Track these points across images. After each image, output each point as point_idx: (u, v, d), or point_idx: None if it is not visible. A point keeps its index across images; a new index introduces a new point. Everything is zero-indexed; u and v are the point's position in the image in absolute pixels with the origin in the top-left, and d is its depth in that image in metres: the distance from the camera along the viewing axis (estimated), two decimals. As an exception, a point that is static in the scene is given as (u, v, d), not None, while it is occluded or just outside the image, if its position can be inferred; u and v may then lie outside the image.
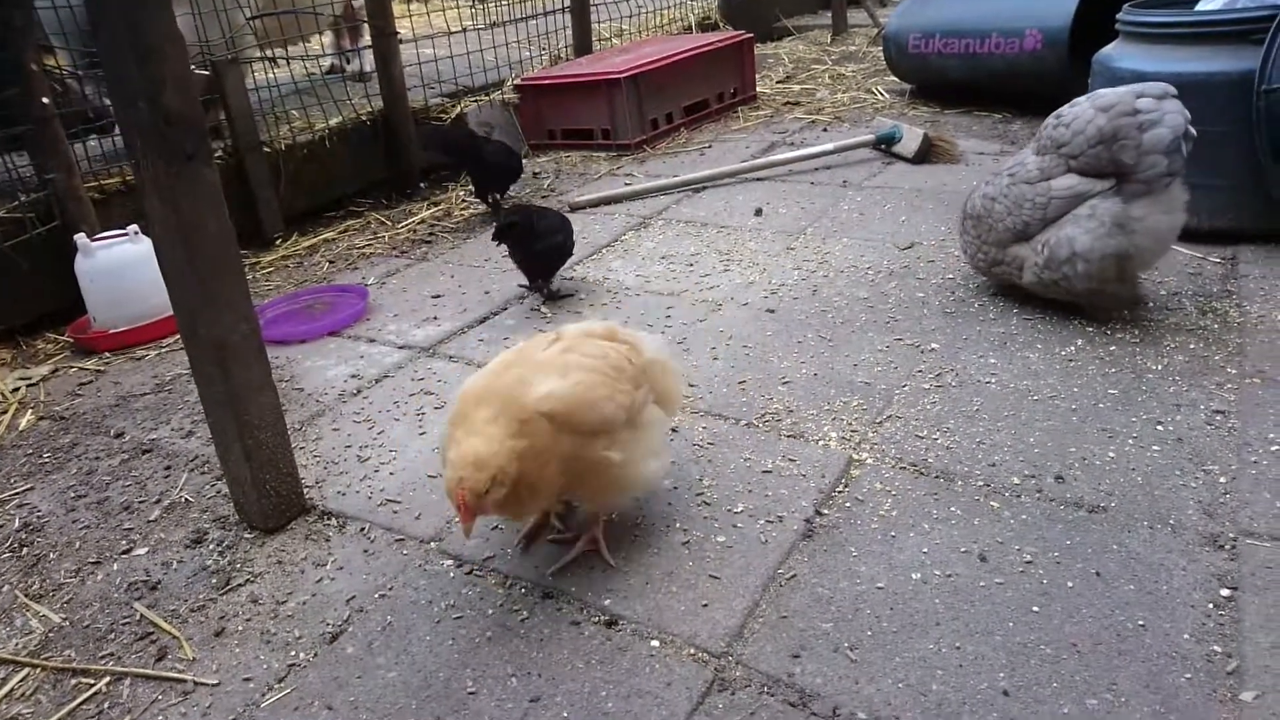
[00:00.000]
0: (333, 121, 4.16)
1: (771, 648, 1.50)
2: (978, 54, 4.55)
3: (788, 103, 5.35)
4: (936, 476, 1.89)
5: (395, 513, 1.97)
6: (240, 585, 1.79)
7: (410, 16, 5.22)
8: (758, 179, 4.05)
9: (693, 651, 1.51)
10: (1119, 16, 3.02)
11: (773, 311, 2.73)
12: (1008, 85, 4.58)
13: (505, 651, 1.55)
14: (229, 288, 1.79)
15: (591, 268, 3.26)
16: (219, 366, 1.80)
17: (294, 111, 4.13)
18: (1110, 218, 2.29)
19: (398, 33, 4.37)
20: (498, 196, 3.97)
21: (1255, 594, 1.50)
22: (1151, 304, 2.51)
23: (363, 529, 1.93)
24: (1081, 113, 2.32)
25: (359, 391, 2.53)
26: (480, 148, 3.83)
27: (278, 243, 3.82)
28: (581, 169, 4.45)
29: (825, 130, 4.70)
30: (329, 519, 1.98)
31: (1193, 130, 2.30)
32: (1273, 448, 1.85)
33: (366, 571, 1.80)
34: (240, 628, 1.69)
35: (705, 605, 1.61)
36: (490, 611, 1.65)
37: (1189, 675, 1.37)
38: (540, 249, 2.92)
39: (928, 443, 2.00)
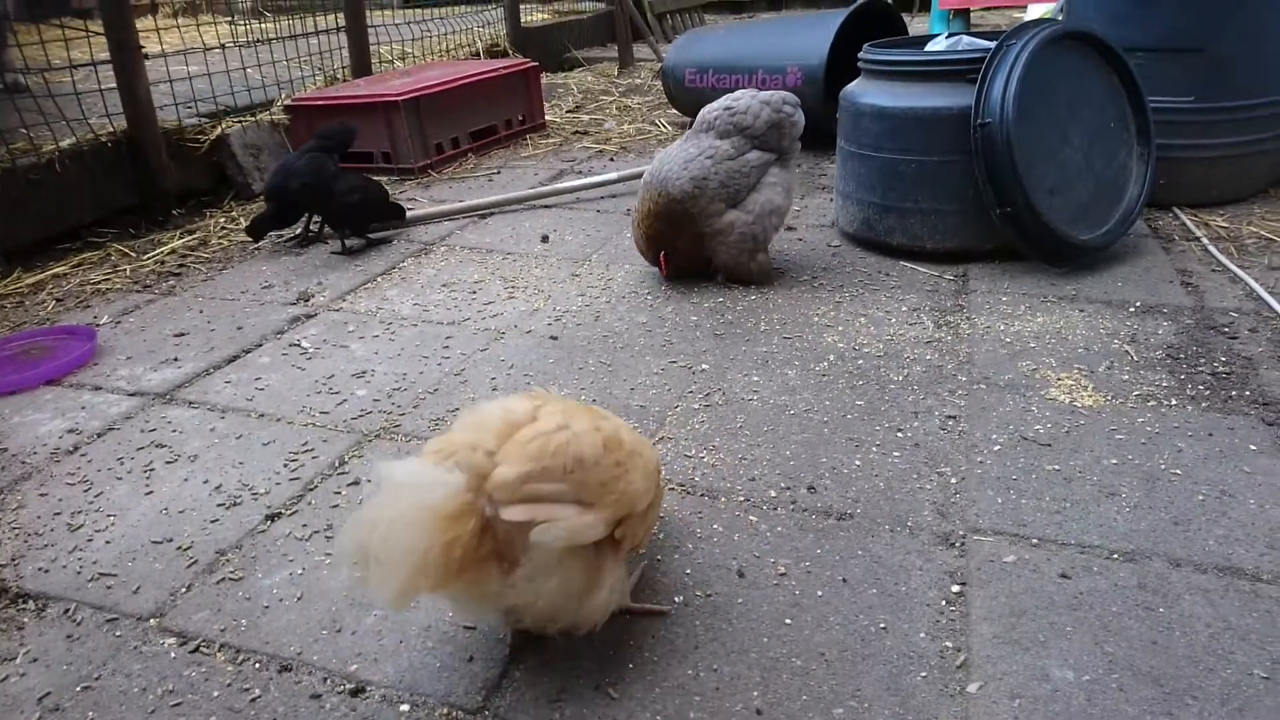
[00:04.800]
0: (65, 143, 3.69)
1: (532, 695, 1.43)
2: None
3: (576, 132, 5.40)
4: (702, 495, 1.90)
5: (109, 588, 1.71)
6: (-102, 697, 1.48)
7: (158, 30, 4.76)
8: (545, 206, 4.03)
9: (446, 711, 1.41)
10: (860, 55, 3.28)
11: (556, 339, 2.69)
12: (775, 117, 4.87)
13: (231, 737, 1.37)
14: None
15: (364, 297, 3.07)
16: None
17: (20, 130, 3.63)
18: (783, 181, 3.00)
19: (142, 47, 3.97)
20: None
21: (980, 587, 1.62)
22: (894, 320, 2.71)
23: (67, 610, 1.66)
24: (752, 105, 2.93)
25: (76, 448, 2.21)
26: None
27: (-6, 280, 3.32)
28: (360, 195, 4.22)
29: (612, 160, 4.77)
30: (25, 602, 1.69)
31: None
32: (995, 448, 2.03)
33: (68, 661, 1.54)
34: (-107, 750, 1.39)
35: (470, 659, 1.51)
36: (216, 694, 1.46)
37: (924, 674, 1.44)
38: (344, 201, 3.48)
39: (695, 461, 2.02)
